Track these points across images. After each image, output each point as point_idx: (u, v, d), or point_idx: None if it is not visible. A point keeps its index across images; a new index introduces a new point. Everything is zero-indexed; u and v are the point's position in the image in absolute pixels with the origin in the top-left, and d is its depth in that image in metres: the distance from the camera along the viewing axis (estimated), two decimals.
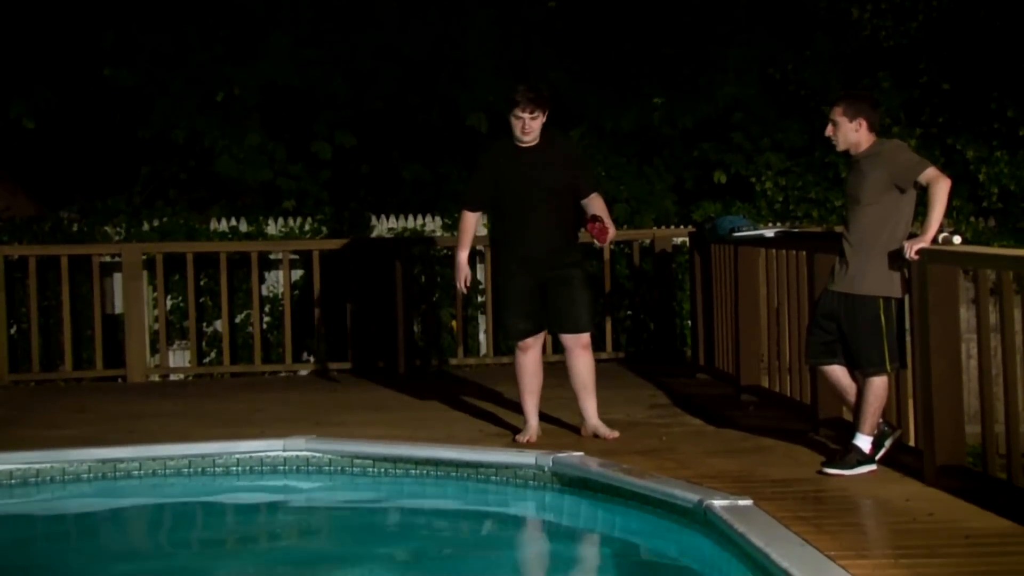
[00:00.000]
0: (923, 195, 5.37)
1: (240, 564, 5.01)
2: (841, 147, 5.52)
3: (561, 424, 6.60)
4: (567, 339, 6.20)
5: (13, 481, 5.74)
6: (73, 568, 4.94)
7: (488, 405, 7.25)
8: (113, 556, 5.17)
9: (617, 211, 10.59)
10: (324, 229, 9.88)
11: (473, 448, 6.01)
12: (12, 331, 9.05)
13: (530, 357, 6.18)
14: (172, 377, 9.18)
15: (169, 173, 11.20)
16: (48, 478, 5.79)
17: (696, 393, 7.77)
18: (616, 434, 6.21)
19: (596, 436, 6.20)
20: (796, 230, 8.55)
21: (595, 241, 6.17)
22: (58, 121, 10.90)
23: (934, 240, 5.24)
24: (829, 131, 5.49)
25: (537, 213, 6.03)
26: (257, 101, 10.84)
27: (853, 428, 5.49)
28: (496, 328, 9.10)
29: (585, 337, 6.18)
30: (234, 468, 5.94)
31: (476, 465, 5.69)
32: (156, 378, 9.09)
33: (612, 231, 6.08)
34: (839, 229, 6.06)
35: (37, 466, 5.80)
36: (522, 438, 6.12)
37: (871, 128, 5.44)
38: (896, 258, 5.35)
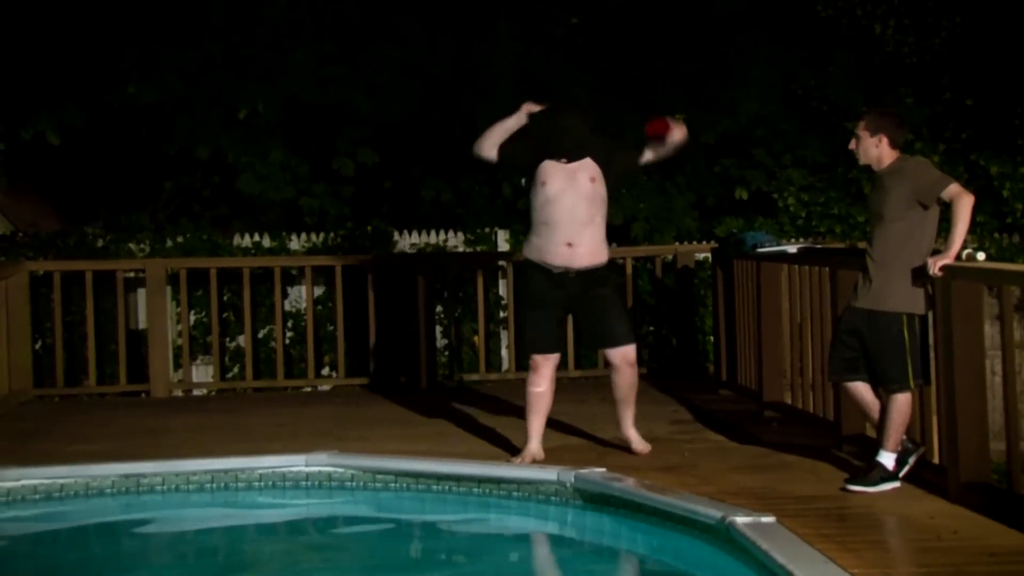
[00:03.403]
0: (947, 211, 5.36)
1: None
2: (863, 161, 5.53)
3: (583, 438, 6.59)
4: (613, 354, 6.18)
5: (37, 496, 5.77)
6: None
7: (510, 420, 7.25)
8: (135, 571, 5.19)
9: (637, 229, 10.61)
10: (346, 244, 9.92)
11: (495, 464, 6.01)
12: (37, 346, 9.11)
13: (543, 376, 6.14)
14: (195, 392, 9.22)
15: (193, 189, 11.27)
16: (72, 492, 5.82)
17: (718, 409, 7.75)
18: (648, 448, 6.21)
19: (629, 450, 6.20)
20: (819, 246, 8.53)
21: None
22: (83, 137, 10.98)
23: (958, 256, 5.23)
24: (852, 144, 5.52)
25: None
26: (280, 118, 10.90)
27: (876, 445, 5.47)
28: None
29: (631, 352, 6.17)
30: (256, 483, 5.95)
31: (498, 481, 5.68)
32: (179, 393, 9.13)
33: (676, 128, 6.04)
34: (862, 245, 6.05)
35: (61, 481, 5.83)
36: (517, 460, 6.05)
37: (892, 144, 5.44)
38: (920, 274, 5.33)
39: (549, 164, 6.03)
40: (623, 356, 6.14)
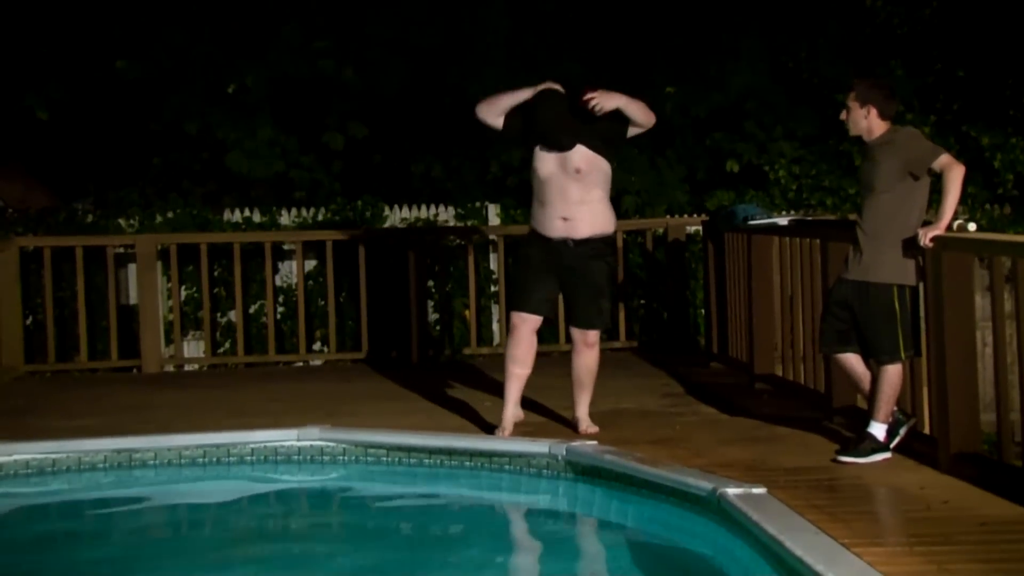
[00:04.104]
0: (937, 182, 5.35)
1: (254, 553, 5.01)
2: (853, 132, 5.52)
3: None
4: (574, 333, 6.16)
5: (29, 471, 5.76)
6: (89, 557, 4.96)
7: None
8: (128, 546, 5.19)
9: (627, 202, 10.58)
10: (337, 219, 9.89)
11: (486, 437, 6.01)
12: (28, 322, 9.08)
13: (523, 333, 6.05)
14: (187, 367, 9.20)
15: (182, 165, 11.21)
16: (64, 468, 5.81)
17: (710, 382, 7.75)
18: (595, 430, 6.09)
19: (576, 431, 6.11)
20: (810, 218, 8.52)
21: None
22: (71, 113, 10.92)
23: (949, 227, 5.22)
24: (843, 116, 5.51)
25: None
26: (268, 93, 10.84)
27: (867, 416, 5.47)
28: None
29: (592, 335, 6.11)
30: (248, 458, 5.95)
31: (489, 454, 5.68)
32: (171, 368, 9.11)
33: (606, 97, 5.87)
34: (853, 217, 6.04)
35: (53, 456, 5.82)
36: (499, 431, 6.01)
37: (881, 115, 5.42)
38: (910, 246, 5.32)
39: (542, 150, 5.99)
40: (583, 337, 6.10)
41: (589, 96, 5.91)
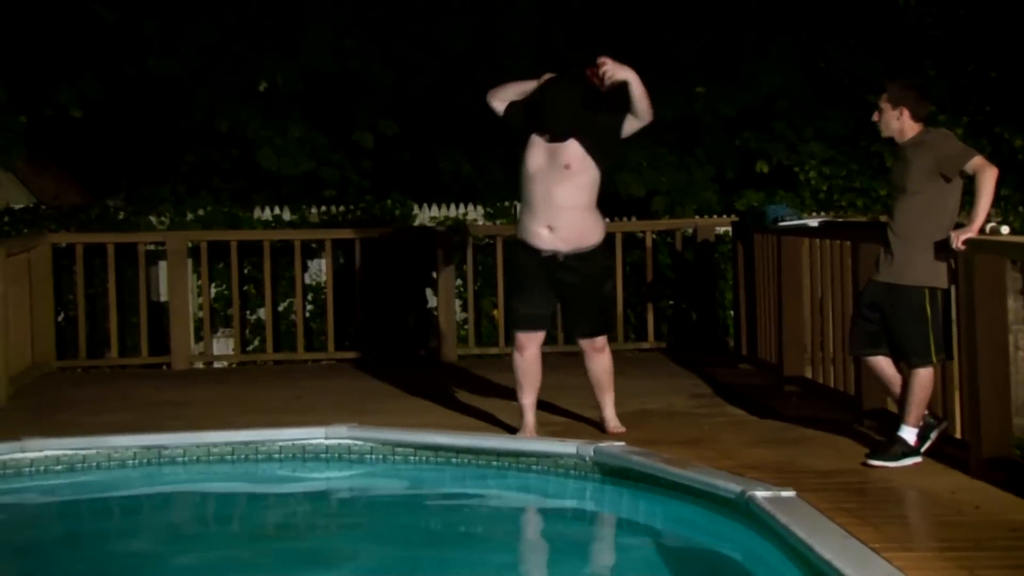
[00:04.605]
0: (970, 185, 5.29)
1: (281, 549, 5.02)
2: (885, 134, 5.47)
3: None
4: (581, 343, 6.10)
5: (60, 467, 5.79)
6: (118, 552, 4.98)
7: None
8: (156, 540, 5.21)
9: (657, 202, 10.55)
10: (366, 218, 9.90)
11: (514, 437, 5.99)
12: (60, 318, 9.13)
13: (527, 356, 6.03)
14: (216, 364, 9.23)
15: (212, 162, 11.27)
16: (94, 464, 5.83)
17: (738, 383, 7.71)
18: (622, 430, 6.07)
19: (604, 431, 6.09)
20: (840, 220, 8.46)
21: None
22: (105, 111, 10.99)
23: (981, 230, 5.17)
24: (875, 117, 5.46)
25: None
26: (298, 91, 10.87)
27: (898, 419, 5.43)
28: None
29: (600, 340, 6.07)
30: (276, 455, 5.96)
31: (517, 454, 5.67)
32: (200, 365, 9.14)
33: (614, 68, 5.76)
34: (884, 219, 5.99)
35: (83, 452, 5.84)
36: (521, 435, 6.00)
37: (914, 117, 5.37)
38: (942, 248, 5.27)
39: (535, 138, 5.90)
40: (591, 345, 6.07)
41: (601, 61, 5.82)
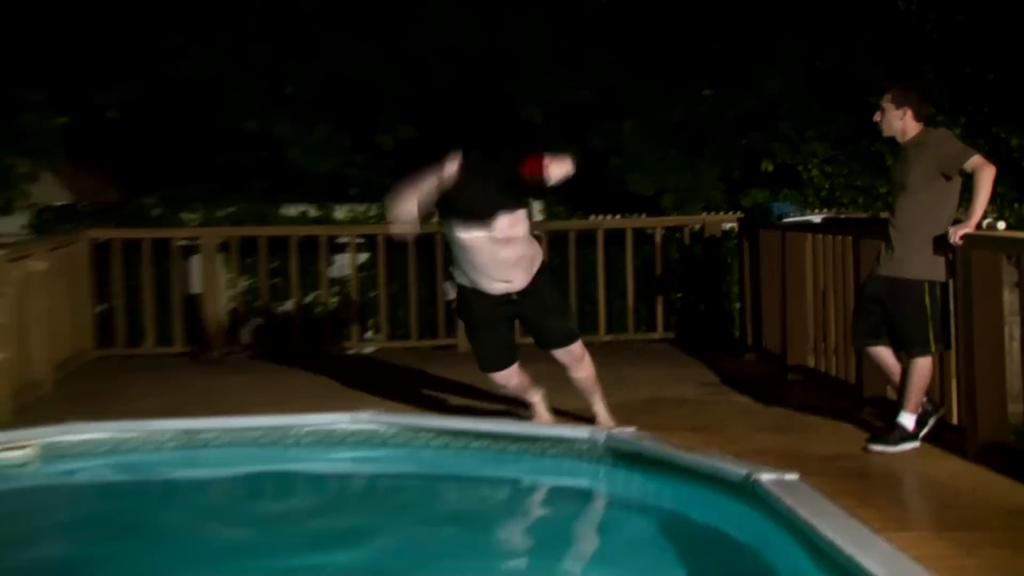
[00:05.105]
0: (968, 182, 5.28)
1: (308, 531, 5.04)
2: (886, 133, 5.46)
3: (614, 399, 6.56)
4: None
5: (101, 450, 5.83)
6: (158, 530, 5.02)
7: (551, 383, 7.23)
8: (192, 519, 5.25)
9: (667, 200, 10.53)
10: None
11: (530, 423, 6.00)
12: (99, 309, 9.18)
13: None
14: (246, 353, 9.26)
15: (242, 162, 11.31)
16: (133, 447, 5.87)
17: (744, 372, 7.71)
18: (613, 425, 5.87)
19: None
20: (842, 216, 8.45)
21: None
22: (140, 113, 11.04)
23: (978, 226, 5.16)
24: (877, 117, 5.44)
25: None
26: (321, 95, 10.90)
27: (897, 406, 5.42)
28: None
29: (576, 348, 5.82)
30: (304, 440, 5.98)
31: (533, 439, 5.68)
32: (230, 355, 9.16)
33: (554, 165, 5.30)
34: (885, 215, 5.98)
35: (124, 435, 5.89)
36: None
37: (916, 117, 5.36)
38: (941, 243, 5.26)
39: (460, 215, 5.52)
40: (567, 356, 5.85)
41: (545, 164, 5.37)
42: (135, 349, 9.13)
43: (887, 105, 5.38)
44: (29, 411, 6.63)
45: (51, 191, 10.73)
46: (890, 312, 5.41)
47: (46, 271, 7.72)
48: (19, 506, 5.41)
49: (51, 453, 5.74)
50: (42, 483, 5.63)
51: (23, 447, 5.74)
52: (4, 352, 6.72)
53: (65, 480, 5.68)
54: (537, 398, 6.03)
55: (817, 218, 7.30)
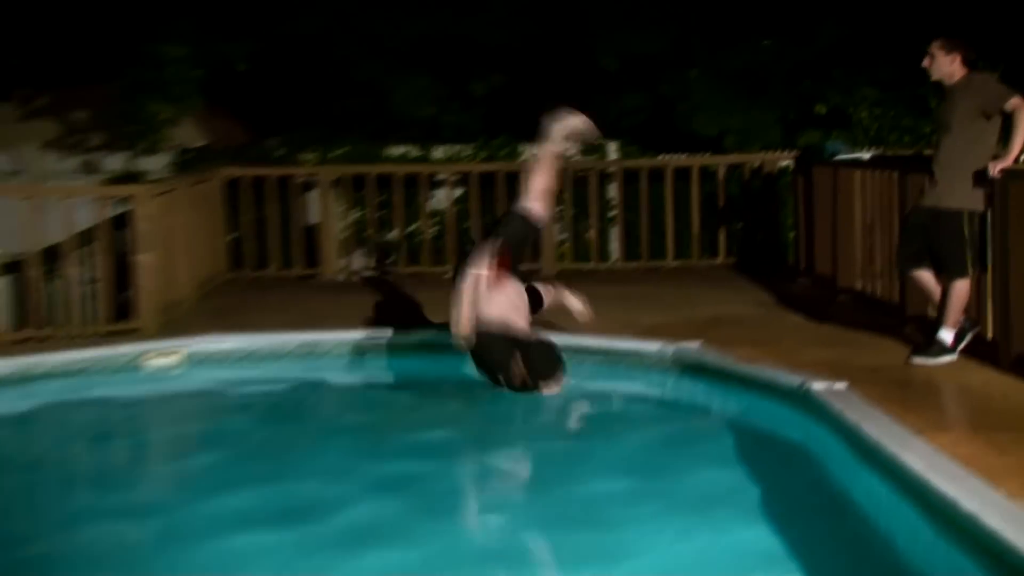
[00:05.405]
0: (1007, 122, 5.12)
1: (415, 433, 5.12)
2: (935, 77, 5.29)
3: (682, 316, 6.55)
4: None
5: (233, 358, 5.99)
6: (283, 426, 5.16)
7: (615, 302, 7.23)
8: (313, 417, 5.39)
9: (729, 141, 10.35)
10: (481, 154, 9.92)
11: (606, 336, 6.01)
12: (231, 237, 9.36)
13: None
14: (356, 277, 9.40)
15: (352, 108, 11.36)
16: (261, 356, 6.02)
17: (798, 294, 7.63)
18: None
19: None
20: (889, 154, 8.24)
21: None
22: (264, 65, 11.12)
23: (1016, 160, 5.01)
24: (926, 62, 5.28)
25: None
26: (420, 49, 10.87)
27: (937, 323, 5.33)
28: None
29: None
30: (412, 349, 6.07)
31: (607, 352, 5.69)
32: (343, 277, 9.31)
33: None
34: (928, 152, 5.82)
35: (253, 345, 6.04)
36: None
37: (964, 62, 5.20)
38: (980, 177, 5.13)
39: None
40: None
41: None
42: (261, 271, 9.31)
43: (938, 52, 5.22)
44: (176, 324, 6.81)
45: (190, 134, 10.90)
46: (932, 239, 5.30)
47: (189, 204, 7.89)
48: (171, 405, 5.60)
49: (198, 361, 5.91)
50: (189, 386, 5.81)
51: (173, 354, 5.93)
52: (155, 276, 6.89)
53: (209, 387, 5.83)
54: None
55: (866, 155, 7.14)
